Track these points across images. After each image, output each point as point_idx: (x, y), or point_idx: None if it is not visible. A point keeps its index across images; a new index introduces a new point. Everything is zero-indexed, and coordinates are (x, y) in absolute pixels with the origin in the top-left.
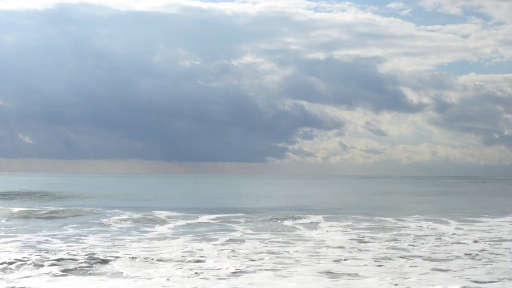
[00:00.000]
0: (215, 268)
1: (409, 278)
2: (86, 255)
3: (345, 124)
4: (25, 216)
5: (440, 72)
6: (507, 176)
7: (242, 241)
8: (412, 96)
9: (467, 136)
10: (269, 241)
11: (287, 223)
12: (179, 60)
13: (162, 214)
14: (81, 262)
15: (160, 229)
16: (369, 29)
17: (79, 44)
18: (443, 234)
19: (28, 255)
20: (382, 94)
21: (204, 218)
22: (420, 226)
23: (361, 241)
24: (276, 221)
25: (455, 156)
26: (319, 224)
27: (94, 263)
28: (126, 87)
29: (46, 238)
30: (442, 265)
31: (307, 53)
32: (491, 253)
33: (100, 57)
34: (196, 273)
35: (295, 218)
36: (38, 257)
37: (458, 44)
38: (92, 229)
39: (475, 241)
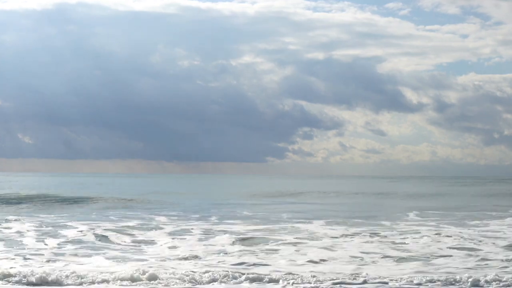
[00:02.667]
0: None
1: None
2: None
3: (344, 124)
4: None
5: (439, 72)
6: (507, 176)
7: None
8: (411, 96)
9: (467, 136)
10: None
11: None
12: (178, 60)
13: None
14: None
15: None
16: (368, 29)
17: (77, 44)
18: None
19: None
20: (382, 94)
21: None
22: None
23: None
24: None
25: (455, 156)
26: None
27: None
28: (125, 87)
29: None
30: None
31: (306, 53)
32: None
33: (98, 57)
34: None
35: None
36: None
37: (457, 44)
38: None
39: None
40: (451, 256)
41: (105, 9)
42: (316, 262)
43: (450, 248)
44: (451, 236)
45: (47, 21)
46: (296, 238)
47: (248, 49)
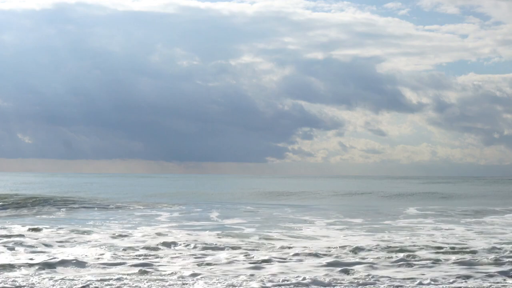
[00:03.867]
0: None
1: None
2: None
3: (344, 124)
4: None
5: (438, 72)
6: (507, 176)
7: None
8: (411, 96)
9: (467, 136)
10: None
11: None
12: (177, 60)
13: None
14: None
15: None
16: (368, 28)
17: (77, 44)
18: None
19: None
20: (381, 94)
21: None
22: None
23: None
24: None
25: (455, 156)
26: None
27: None
28: (125, 87)
29: None
30: None
31: (305, 53)
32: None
33: (98, 57)
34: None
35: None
36: None
37: (456, 44)
38: None
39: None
40: (448, 254)
41: (104, 9)
42: (309, 261)
43: (447, 244)
44: (449, 236)
45: (46, 21)
46: (295, 237)
47: (247, 49)
